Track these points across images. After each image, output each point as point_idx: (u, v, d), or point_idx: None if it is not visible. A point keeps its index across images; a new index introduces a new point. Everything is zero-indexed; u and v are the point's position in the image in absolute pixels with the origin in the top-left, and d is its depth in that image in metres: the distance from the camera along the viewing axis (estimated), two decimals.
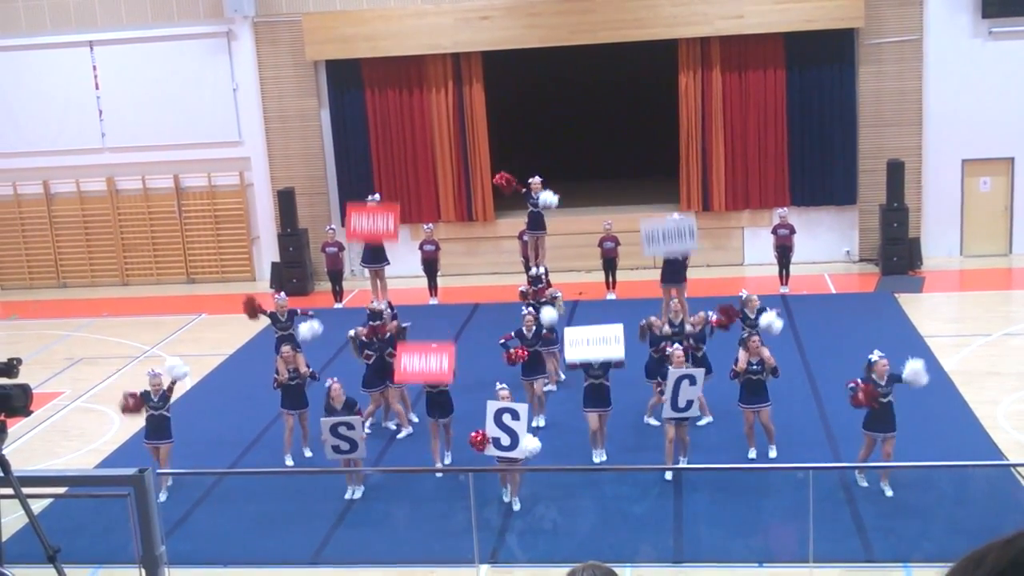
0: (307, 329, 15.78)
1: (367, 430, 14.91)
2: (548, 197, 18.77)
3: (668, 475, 13.11)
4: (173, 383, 13.90)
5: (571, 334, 13.90)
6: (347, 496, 13.37)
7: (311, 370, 14.68)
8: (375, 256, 19.50)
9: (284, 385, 14.37)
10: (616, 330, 13.74)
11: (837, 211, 22.97)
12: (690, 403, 12.91)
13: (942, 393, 15.43)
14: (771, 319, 14.57)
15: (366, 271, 20.39)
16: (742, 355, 13.59)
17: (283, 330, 16.09)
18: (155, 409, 13.55)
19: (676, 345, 13.59)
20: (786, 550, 12.17)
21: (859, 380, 12.50)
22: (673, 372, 12.95)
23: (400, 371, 13.74)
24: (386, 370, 15.05)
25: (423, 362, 13.39)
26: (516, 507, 12.92)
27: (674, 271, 17.90)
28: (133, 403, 13.42)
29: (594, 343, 13.62)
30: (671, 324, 14.82)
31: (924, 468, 12.97)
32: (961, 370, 16.37)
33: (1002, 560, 1.53)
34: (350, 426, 12.93)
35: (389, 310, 16.12)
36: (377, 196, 19.28)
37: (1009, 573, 1.51)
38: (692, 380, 12.87)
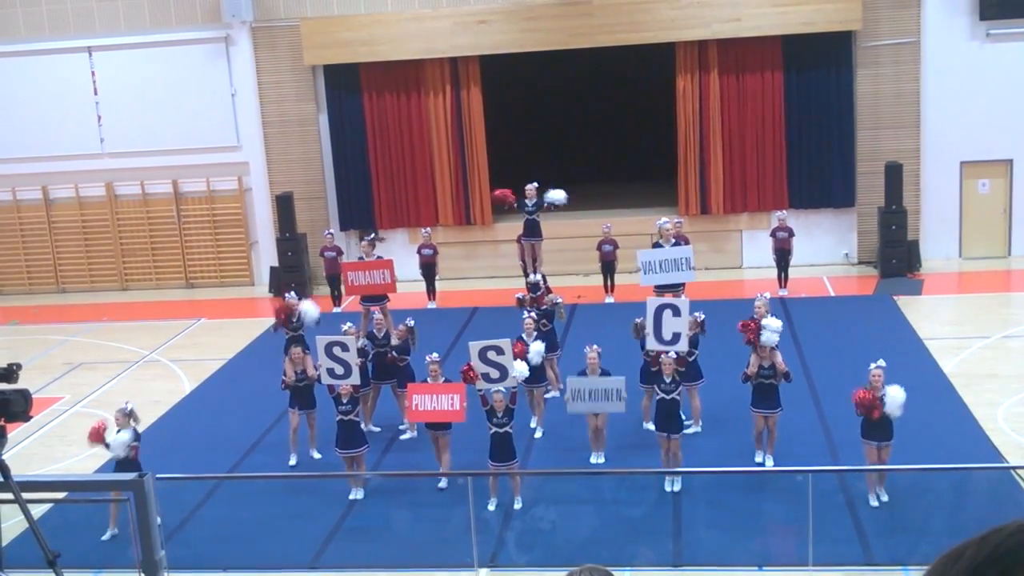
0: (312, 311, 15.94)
1: (375, 428, 15.19)
2: (555, 195, 18.74)
3: (672, 486, 12.88)
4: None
5: (573, 384, 13.60)
6: (351, 497, 13.40)
7: (318, 373, 14.66)
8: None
9: (292, 386, 14.42)
10: (618, 383, 13.41)
11: (835, 214, 22.99)
12: (677, 336, 12.34)
13: (941, 395, 15.46)
14: (768, 329, 14.16)
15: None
16: (753, 359, 13.50)
17: (293, 331, 15.96)
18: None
19: (672, 352, 13.18)
20: (785, 553, 12.18)
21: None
22: (652, 302, 12.50)
23: (411, 410, 13.68)
24: (379, 369, 15.30)
25: (434, 402, 13.39)
26: (517, 505, 12.95)
27: None
28: (95, 436, 12.65)
29: (596, 397, 13.38)
30: None
31: (923, 471, 12.97)
32: (960, 372, 16.38)
33: (978, 556, 1.58)
34: (344, 347, 13.42)
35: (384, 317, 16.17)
36: (372, 235, 19.24)
37: (985, 568, 1.57)
38: (676, 311, 12.33)
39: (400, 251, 23.27)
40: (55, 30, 23.87)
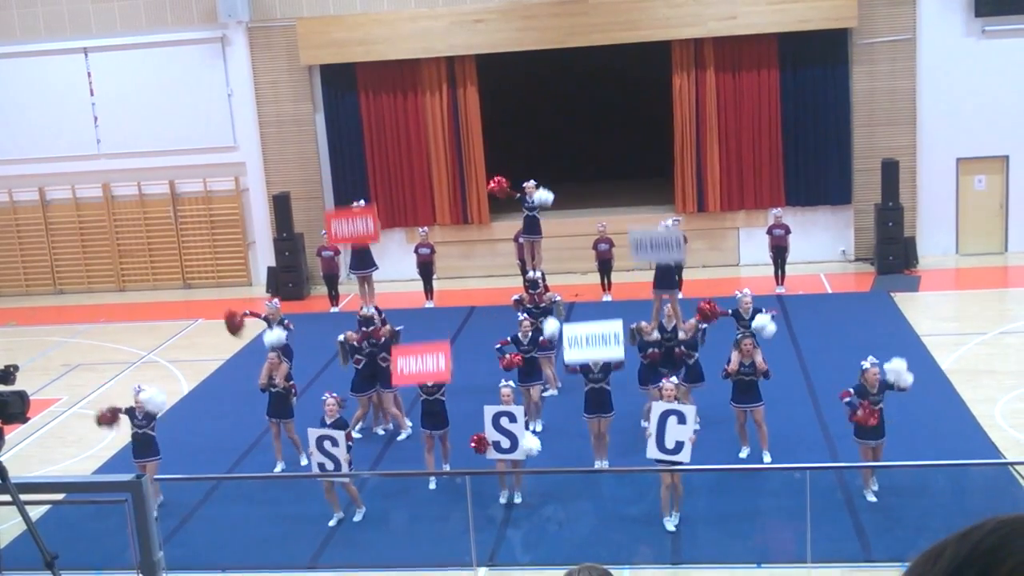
0: (273, 336, 15.31)
1: (357, 434, 14.70)
2: (543, 195, 18.82)
3: (669, 526, 12.23)
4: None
5: (570, 331, 13.69)
6: (356, 518, 12.97)
7: (290, 384, 14.41)
8: (361, 262, 19.44)
9: (267, 391, 14.33)
10: (615, 326, 13.50)
11: (832, 211, 23.00)
12: (680, 445, 11.78)
13: (939, 392, 15.46)
14: (765, 321, 14.51)
15: (353, 277, 20.35)
16: (734, 356, 13.54)
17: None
18: (139, 427, 13.14)
19: (673, 379, 12.95)
20: (784, 550, 12.18)
21: (852, 390, 12.42)
22: (657, 407, 12.04)
23: (397, 373, 13.58)
24: (377, 374, 15.07)
25: (420, 363, 13.29)
26: (518, 500, 12.94)
27: (666, 276, 17.81)
28: (109, 416, 12.96)
29: (593, 343, 13.39)
30: (662, 330, 14.73)
31: (921, 467, 12.98)
32: (958, 368, 16.39)
33: (959, 554, 1.57)
34: (335, 442, 12.41)
35: (378, 315, 15.92)
36: (362, 202, 19.40)
37: (965, 567, 1.55)
38: (681, 418, 11.78)
39: (397, 250, 23.30)
40: (51, 31, 23.85)
